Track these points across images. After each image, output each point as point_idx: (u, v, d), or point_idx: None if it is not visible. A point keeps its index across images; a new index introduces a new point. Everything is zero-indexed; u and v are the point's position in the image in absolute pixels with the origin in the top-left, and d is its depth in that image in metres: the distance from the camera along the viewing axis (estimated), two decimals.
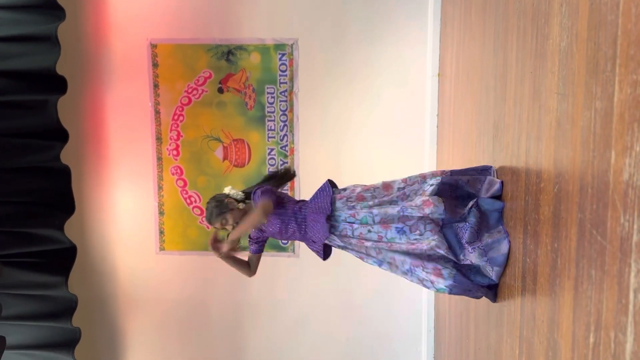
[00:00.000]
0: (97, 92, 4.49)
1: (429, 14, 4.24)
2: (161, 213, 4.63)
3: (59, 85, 3.82)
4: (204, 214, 2.57)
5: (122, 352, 4.81)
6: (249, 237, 2.59)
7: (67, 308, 3.98)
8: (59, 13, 3.68)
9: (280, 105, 4.44)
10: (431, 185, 2.26)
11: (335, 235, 2.34)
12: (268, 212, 2.35)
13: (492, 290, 2.23)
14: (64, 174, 3.94)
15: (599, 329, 1.24)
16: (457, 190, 2.28)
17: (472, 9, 3.01)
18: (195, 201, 4.60)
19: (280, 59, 4.39)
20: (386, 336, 4.59)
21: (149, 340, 4.84)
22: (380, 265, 2.36)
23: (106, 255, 4.67)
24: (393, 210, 2.22)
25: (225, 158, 4.54)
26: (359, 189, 2.39)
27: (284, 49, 4.37)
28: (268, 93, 4.43)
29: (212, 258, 4.65)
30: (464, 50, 3.32)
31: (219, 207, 2.43)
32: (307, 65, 4.39)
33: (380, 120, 4.40)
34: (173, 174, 4.58)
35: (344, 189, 2.44)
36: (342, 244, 2.36)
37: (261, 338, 4.74)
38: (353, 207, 2.32)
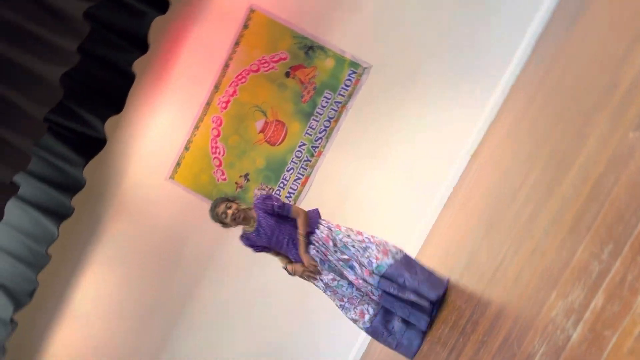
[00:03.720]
0: (187, 20, 4.88)
1: (493, 97, 4.59)
2: (186, 148, 5.02)
3: (162, 5, 4.22)
4: (215, 214, 2.98)
5: (95, 243, 5.20)
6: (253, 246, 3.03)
7: (74, 186, 4.37)
8: None
9: (329, 112, 4.84)
10: (381, 267, 2.79)
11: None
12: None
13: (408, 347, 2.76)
14: (128, 78, 4.35)
15: None
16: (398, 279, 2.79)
17: (527, 117, 3.39)
18: (219, 153, 4.99)
19: (349, 75, 4.78)
20: (316, 346, 4.98)
21: (120, 245, 5.22)
22: (324, 291, 2.96)
23: (124, 160, 5.07)
24: (348, 275, 2.81)
25: (262, 131, 4.93)
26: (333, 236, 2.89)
27: (356, 68, 4.77)
28: (325, 97, 4.83)
29: (207, 209, 5.06)
30: (502, 147, 3.70)
31: (228, 197, 2.95)
32: (369, 90, 4.77)
33: (402, 168, 4.78)
34: (213, 122, 4.98)
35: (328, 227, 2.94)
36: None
37: (213, 294, 5.13)
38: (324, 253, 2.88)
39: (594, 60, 2.56)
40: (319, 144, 4.88)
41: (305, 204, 4.70)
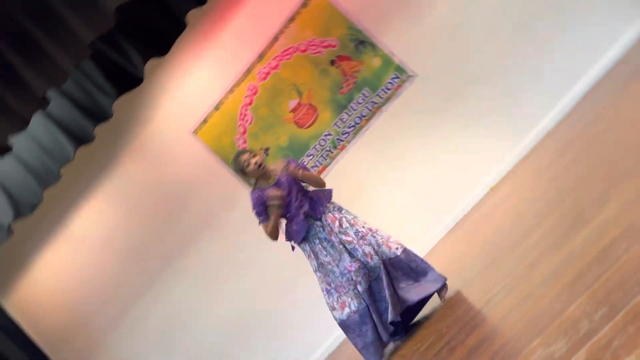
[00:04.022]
0: None
1: (528, 138, 4.54)
2: (216, 108, 5.06)
3: None
4: (237, 162, 3.11)
5: (105, 176, 5.28)
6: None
7: (100, 115, 4.43)
8: None
9: (363, 109, 4.84)
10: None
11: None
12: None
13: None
14: (180, 26, 4.38)
15: None
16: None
17: (556, 165, 3.37)
18: (247, 121, 5.02)
19: (392, 78, 4.77)
20: (288, 330, 5.03)
21: (129, 184, 5.29)
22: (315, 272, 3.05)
23: (154, 104, 5.14)
24: (344, 260, 2.91)
25: (293, 110, 4.95)
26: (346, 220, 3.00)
27: (401, 73, 4.76)
28: (363, 94, 4.82)
29: (221, 172, 5.06)
30: (524, 189, 3.69)
31: (253, 150, 3.15)
32: (408, 98, 4.76)
33: (420, 183, 4.76)
34: (248, 89, 5.01)
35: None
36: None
37: (206, 254, 5.18)
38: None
39: (637, 126, 2.54)
40: (345, 138, 4.89)
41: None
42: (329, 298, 2.97)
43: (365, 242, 2.90)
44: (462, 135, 4.71)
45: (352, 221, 2.97)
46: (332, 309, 2.97)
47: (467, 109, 4.69)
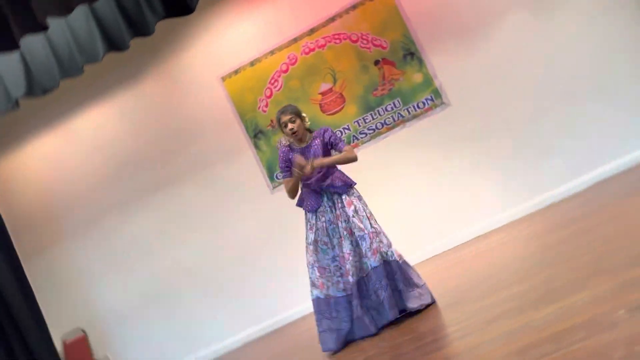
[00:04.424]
0: None
1: (531, 201, 4.57)
2: (251, 63, 5.07)
3: None
4: (283, 112, 3.15)
5: (124, 88, 5.30)
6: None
7: (141, 30, 4.39)
8: None
9: (388, 117, 4.85)
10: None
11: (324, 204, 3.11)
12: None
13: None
14: None
15: None
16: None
17: (548, 237, 3.40)
18: (275, 87, 5.04)
19: (426, 99, 4.78)
20: (242, 297, 5.10)
21: (143, 103, 5.30)
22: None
23: (194, 38, 5.16)
24: (344, 247, 2.99)
25: (322, 94, 4.96)
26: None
27: (436, 98, 4.77)
28: (394, 103, 4.84)
29: (233, 125, 5.07)
30: (511, 245, 3.72)
31: (300, 112, 3.17)
32: (434, 122, 4.77)
33: (415, 208, 4.80)
34: (288, 58, 5.01)
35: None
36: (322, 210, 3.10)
37: (190, 197, 5.22)
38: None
39: (635, 231, 2.57)
40: (361, 137, 4.91)
41: None
42: (311, 273, 3.06)
43: (377, 239, 2.97)
44: (471, 175, 4.73)
45: (368, 214, 3.06)
46: (312, 284, 3.06)
47: (485, 154, 4.70)
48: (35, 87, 4.64)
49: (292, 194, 3.17)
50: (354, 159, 3.10)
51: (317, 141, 3.13)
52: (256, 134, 5.10)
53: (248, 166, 5.11)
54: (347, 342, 2.99)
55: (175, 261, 5.25)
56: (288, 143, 3.19)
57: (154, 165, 5.29)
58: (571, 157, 4.58)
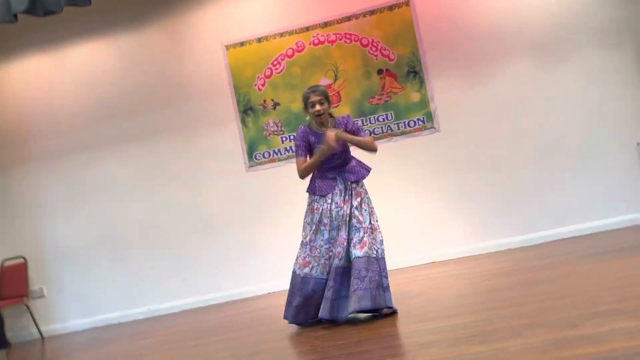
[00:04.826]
0: None
1: (497, 240, 4.70)
2: (259, 40, 5.05)
3: None
4: (314, 91, 3.13)
5: (124, 25, 5.22)
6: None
7: None
8: None
9: (377, 127, 4.90)
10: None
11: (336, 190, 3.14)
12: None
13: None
14: None
15: None
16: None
17: (503, 277, 3.48)
18: (277, 69, 5.03)
19: (418, 119, 4.84)
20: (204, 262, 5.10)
21: (139, 49, 5.24)
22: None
23: (209, 3, 5.11)
24: (340, 231, 3.05)
25: None
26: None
27: (428, 120, 4.83)
28: (386, 115, 4.88)
29: (226, 96, 5.04)
30: (465, 277, 3.80)
31: (329, 96, 3.16)
32: (418, 143, 4.83)
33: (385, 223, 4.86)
34: (295, 44, 5.01)
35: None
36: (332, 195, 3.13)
37: (169, 155, 5.18)
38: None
39: (578, 293, 2.66)
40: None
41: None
42: (302, 250, 3.10)
43: (371, 235, 3.03)
44: (444, 201, 4.81)
45: (371, 210, 3.13)
46: (296, 260, 3.12)
47: (461, 185, 4.79)
48: (37, 6, 4.51)
49: (306, 173, 3.16)
50: (374, 149, 3.14)
51: (341, 128, 3.12)
52: (246, 110, 5.09)
53: (230, 139, 5.10)
54: (310, 319, 3.11)
55: (134, 214, 5.21)
56: (307, 124, 3.20)
57: (136, 114, 5.23)
58: (540, 210, 4.70)
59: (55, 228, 5.30)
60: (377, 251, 3.02)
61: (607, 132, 4.67)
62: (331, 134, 2.97)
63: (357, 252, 2.97)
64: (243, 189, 5.05)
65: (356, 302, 2.86)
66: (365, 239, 3.00)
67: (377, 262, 3.00)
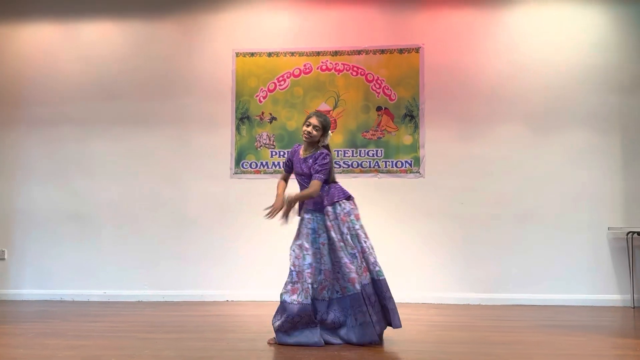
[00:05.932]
0: None
1: (460, 294, 4.78)
2: (269, 54, 5.16)
3: None
4: (318, 116, 3.20)
5: (136, 18, 5.29)
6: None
7: None
8: None
9: (364, 162, 5.00)
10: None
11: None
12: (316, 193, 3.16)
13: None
14: None
15: None
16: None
17: (453, 332, 3.54)
18: (281, 86, 5.14)
19: (405, 161, 4.97)
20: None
21: (148, 37, 5.30)
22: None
23: (229, 4, 5.21)
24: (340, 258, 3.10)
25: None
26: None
27: (415, 165, 4.96)
28: (375, 151, 5.00)
29: (224, 101, 5.09)
30: (421, 324, 3.86)
31: (328, 127, 3.22)
32: (402, 185, 4.95)
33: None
34: (304, 65, 5.12)
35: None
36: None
37: (159, 141, 5.22)
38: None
39: None
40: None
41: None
42: (288, 277, 3.10)
43: (365, 258, 3.13)
44: (417, 244, 4.92)
45: (358, 231, 3.17)
46: (285, 286, 3.09)
47: (436, 233, 4.91)
48: None
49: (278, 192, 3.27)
50: (311, 196, 3.13)
51: (311, 161, 3.17)
52: (242, 118, 5.16)
53: (221, 143, 5.15)
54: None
55: (109, 196, 5.21)
56: (300, 145, 3.29)
57: (133, 99, 5.28)
58: (506, 273, 4.82)
59: (29, 194, 5.27)
60: (379, 271, 3.18)
61: (582, 211, 4.84)
62: (283, 198, 3.15)
63: (363, 278, 3.13)
64: (223, 193, 5.09)
65: (376, 326, 3.10)
66: (363, 265, 3.14)
67: (376, 283, 3.17)
